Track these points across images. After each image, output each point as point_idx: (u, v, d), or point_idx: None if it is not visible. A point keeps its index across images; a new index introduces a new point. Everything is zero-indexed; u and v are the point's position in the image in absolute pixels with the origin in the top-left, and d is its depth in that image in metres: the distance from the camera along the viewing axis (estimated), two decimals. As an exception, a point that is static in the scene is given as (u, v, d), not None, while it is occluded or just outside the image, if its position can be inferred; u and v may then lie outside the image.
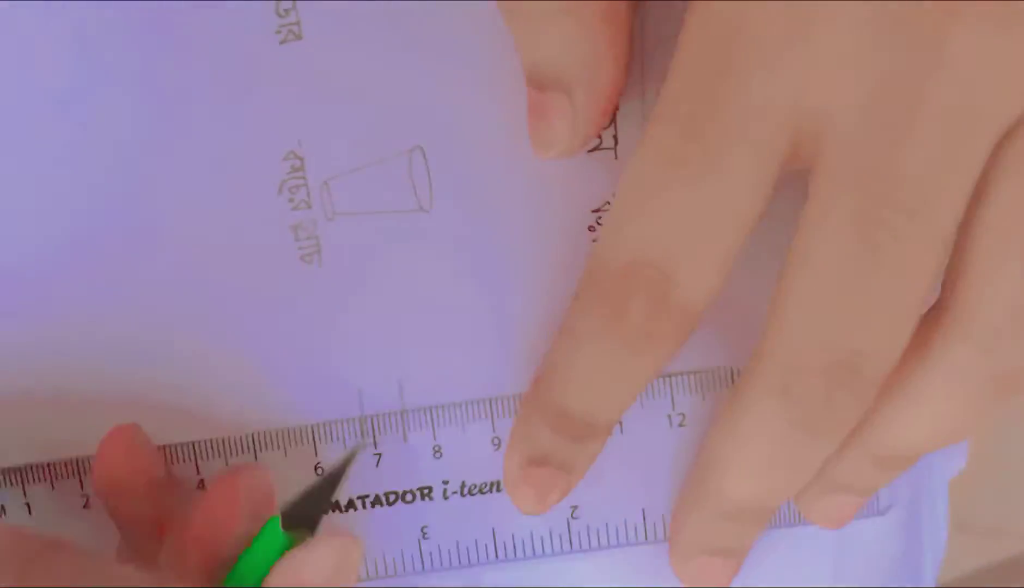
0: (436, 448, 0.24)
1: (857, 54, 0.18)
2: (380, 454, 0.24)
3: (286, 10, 0.22)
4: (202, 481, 0.23)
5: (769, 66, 0.18)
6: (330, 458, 0.23)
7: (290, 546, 0.20)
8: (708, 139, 0.19)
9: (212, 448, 0.23)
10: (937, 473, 0.26)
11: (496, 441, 0.24)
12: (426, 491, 0.24)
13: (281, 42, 0.22)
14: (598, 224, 0.23)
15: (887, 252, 0.18)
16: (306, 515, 0.21)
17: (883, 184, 0.18)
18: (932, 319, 0.20)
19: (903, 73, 0.18)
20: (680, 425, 0.24)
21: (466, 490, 0.24)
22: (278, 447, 0.23)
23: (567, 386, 0.21)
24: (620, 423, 0.24)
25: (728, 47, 0.18)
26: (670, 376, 0.24)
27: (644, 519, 0.24)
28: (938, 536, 0.27)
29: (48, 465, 0.23)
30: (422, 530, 0.24)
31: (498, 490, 0.24)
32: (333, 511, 0.23)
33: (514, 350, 0.23)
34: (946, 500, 0.27)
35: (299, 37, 0.22)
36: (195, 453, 0.23)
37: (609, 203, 0.23)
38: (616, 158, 0.23)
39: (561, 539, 0.24)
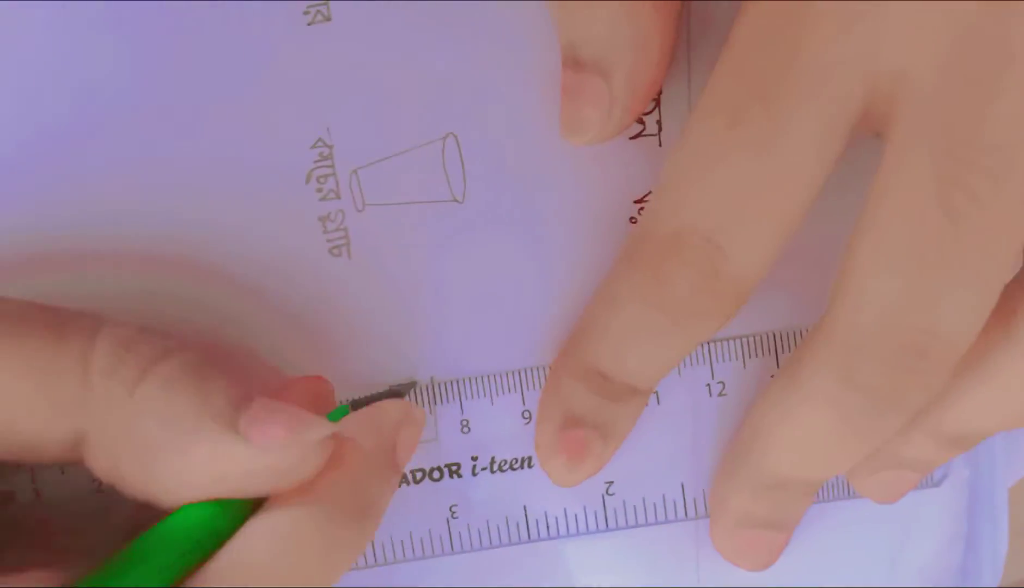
0: (464, 422, 0.23)
1: (937, 10, 0.17)
2: None
3: (314, -11, 0.21)
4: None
5: (843, 23, 0.17)
6: None
7: None
8: (775, 99, 0.17)
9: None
10: (999, 480, 0.25)
11: (527, 415, 0.23)
12: (454, 468, 0.23)
13: (309, 24, 0.21)
14: (640, 215, 0.22)
15: (968, 220, 0.17)
16: None
17: (965, 147, 0.17)
18: (1014, 291, 0.19)
19: (987, 30, 0.17)
20: (720, 395, 0.23)
21: (496, 466, 0.23)
22: None
23: (601, 346, 0.20)
24: (656, 393, 0.23)
25: (800, 3, 0.17)
26: (709, 343, 0.23)
27: (684, 494, 0.23)
28: (999, 542, 0.26)
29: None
30: (451, 509, 0.23)
31: (529, 466, 0.23)
32: None
33: (551, 349, 0.23)
34: (1006, 506, 0.26)
35: (328, 19, 0.21)
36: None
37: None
38: (660, 146, 0.22)
39: (596, 517, 0.24)
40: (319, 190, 0.22)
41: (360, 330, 0.22)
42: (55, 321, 0.18)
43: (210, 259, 0.22)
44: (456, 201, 0.22)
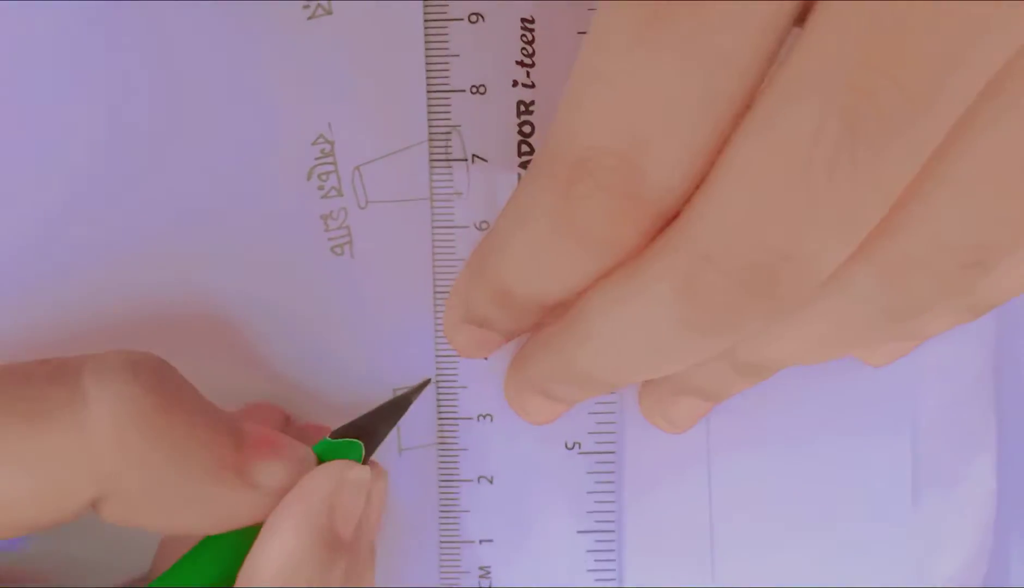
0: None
1: None
2: None
3: (315, -18, 0.21)
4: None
5: None
6: None
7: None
8: None
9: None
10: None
11: None
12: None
13: (309, 18, 0.21)
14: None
15: (868, 138, 0.14)
16: (365, 436, 0.20)
17: (893, 52, 0.14)
18: None
19: None
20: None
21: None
22: None
23: (505, 264, 0.19)
24: None
25: None
26: None
27: None
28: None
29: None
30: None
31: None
32: None
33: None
34: None
35: (329, 12, 0.21)
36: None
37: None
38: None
39: None
40: (320, 187, 0.21)
41: (363, 329, 0.22)
42: (31, 398, 0.18)
43: (210, 258, 0.21)
44: (461, 196, 0.22)
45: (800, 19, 0.15)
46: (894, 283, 0.17)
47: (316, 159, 0.21)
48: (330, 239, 0.21)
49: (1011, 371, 0.26)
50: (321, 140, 0.21)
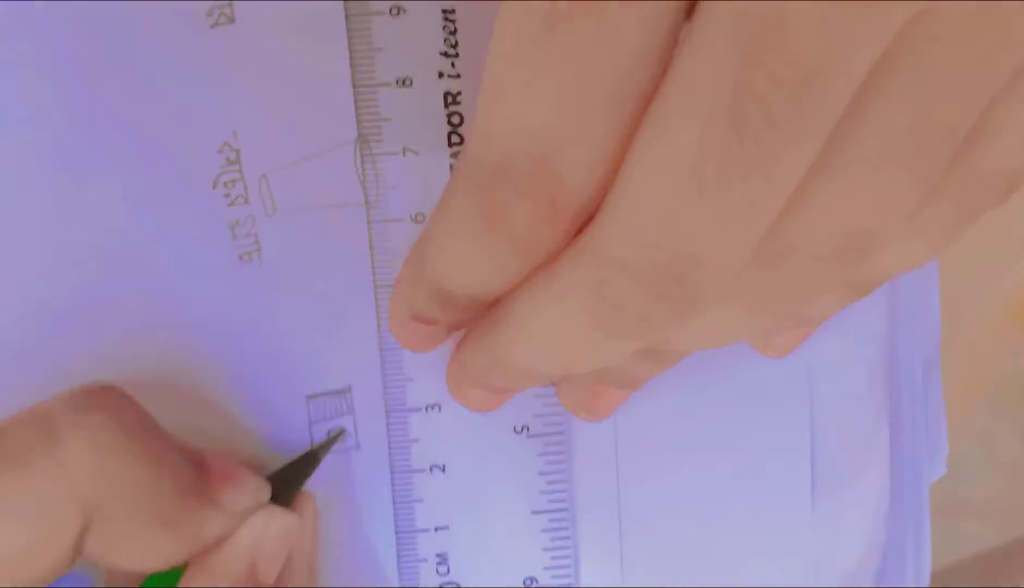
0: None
1: None
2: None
3: (216, -9, 0.20)
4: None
5: None
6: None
7: None
8: None
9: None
10: (923, 477, 0.25)
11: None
12: None
13: (212, 26, 0.20)
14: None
15: (755, 138, 0.14)
16: (281, 492, 0.21)
17: (768, 49, 0.14)
18: None
19: None
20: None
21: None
22: None
23: (438, 265, 0.19)
24: None
25: None
26: None
27: None
28: (922, 540, 0.26)
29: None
30: None
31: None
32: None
33: None
34: (927, 504, 0.26)
35: (232, 20, 0.20)
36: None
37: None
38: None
39: None
40: (227, 195, 0.21)
41: (273, 338, 0.22)
42: (8, 448, 0.18)
43: (114, 268, 0.21)
44: (370, 205, 0.22)
45: (689, 14, 0.15)
46: (776, 269, 0.17)
47: (221, 167, 0.21)
48: (238, 247, 0.21)
49: (903, 369, 0.26)
50: (226, 148, 0.21)
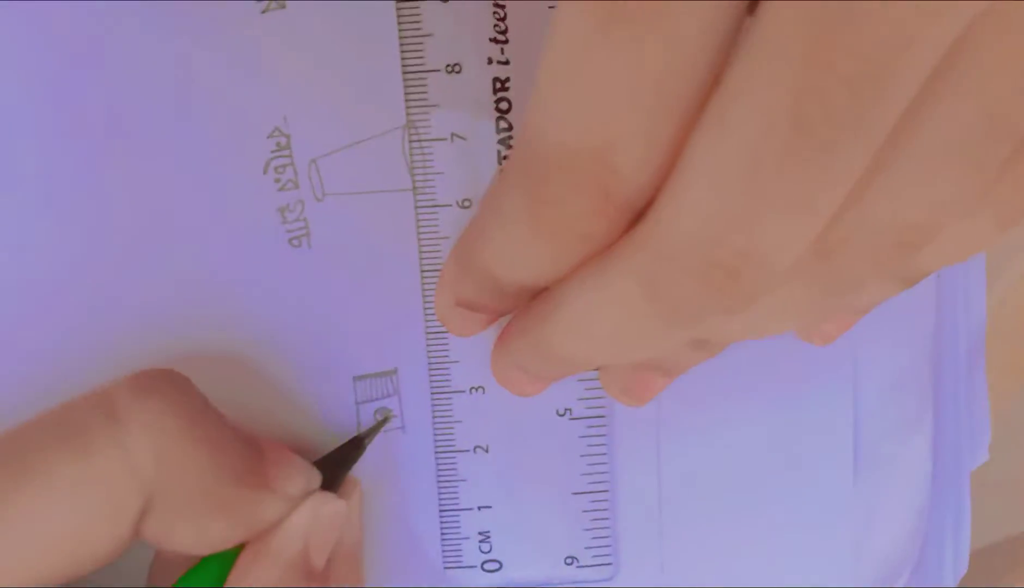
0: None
1: None
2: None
3: (268, -24, 0.20)
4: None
5: None
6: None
7: None
8: None
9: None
10: (964, 464, 0.25)
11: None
12: None
13: (263, 12, 0.20)
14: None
15: (817, 138, 0.14)
16: (329, 477, 0.22)
17: (831, 47, 0.14)
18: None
19: None
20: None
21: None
22: None
23: (488, 255, 0.19)
24: None
25: None
26: None
27: None
28: (962, 526, 0.26)
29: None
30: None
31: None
32: None
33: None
34: (968, 490, 0.26)
35: (282, 6, 0.20)
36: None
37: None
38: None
39: None
40: (277, 180, 0.21)
41: (321, 320, 0.22)
42: (72, 431, 0.19)
43: (167, 254, 0.21)
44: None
45: (752, 9, 0.15)
46: (830, 260, 0.17)
47: (272, 152, 0.21)
48: (288, 231, 0.22)
49: (948, 357, 0.26)
50: (277, 133, 0.21)
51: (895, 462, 0.25)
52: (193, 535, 0.19)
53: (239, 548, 0.20)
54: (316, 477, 0.21)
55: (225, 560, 0.20)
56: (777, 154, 0.15)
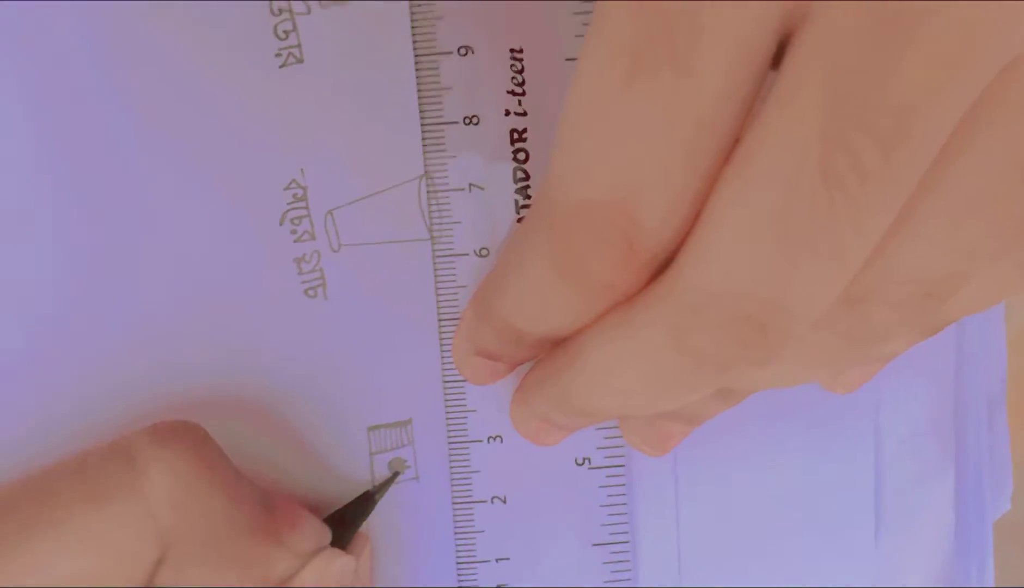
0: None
1: None
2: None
3: (286, 32, 0.20)
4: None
5: None
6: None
7: None
8: (680, 37, 0.14)
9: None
10: (987, 514, 0.25)
11: None
12: None
13: (281, 66, 0.21)
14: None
15: (846, 191, 0.14)
16: (338, 533, 0.22)
17: (860, 103, 0.14)
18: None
19: None
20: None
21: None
22: None
23: (509, 306, 0.19)
24: None
25: None
26: None
27: None
28: (985, 576, 0.26)
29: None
30: None
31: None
32: None
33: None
34: (991, 540, 0.25)
35: (300, 61, 0.21)
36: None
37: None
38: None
39: None
40: (293, 231, 0.21)
41: (337, 372, 0.22)
42: (92, 478, 0.19)
43: (183, 304, 0.22)
44: (434, 240, 0.22)
45: (775, 62, 0.15)
46: (856, 311, 0.17)
47: (288, 204, 0.21)
48: (304, 282, 0.22)
49: (969, 406, 0.26)
50: (294, 185, 0.21)
51: (918, 512, 0.25)
52: (204, 584, 0.19)
53: None
54: (326, 534, 0.21)
55: None
56: (805, 207, 0.14)
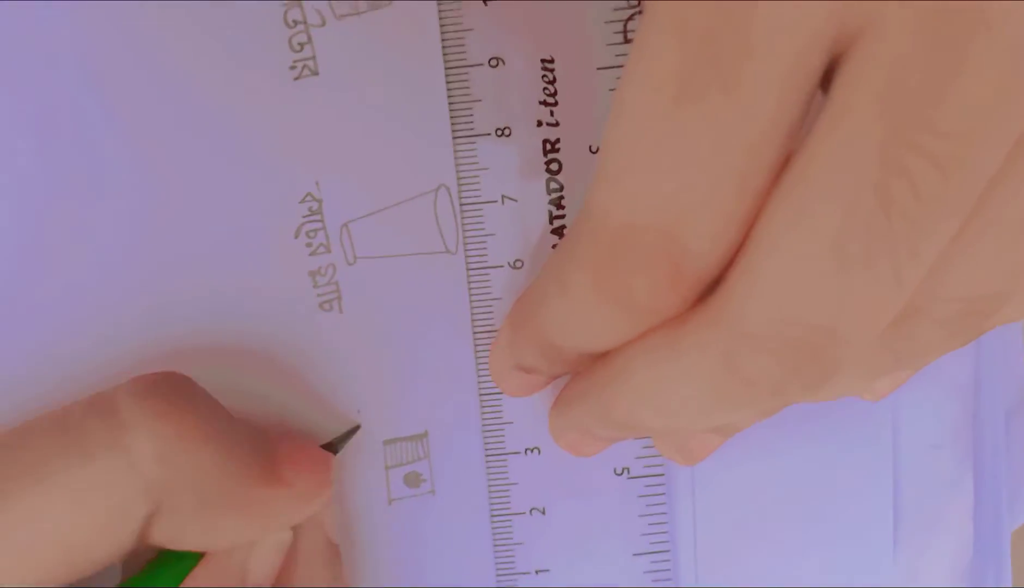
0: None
1: None
2: None
3: (300, 44, 0.20)
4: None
5: None
6: None
7: None
8: (730, 61, 0.14)
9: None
10: (1004, 525, 0.25)
11: None
12: None
13: (296, 78, 0.20)
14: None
15: (902, 215, 0.14)
16: None
17: (917, 127, 0.14)
18: None
19: None
20: None
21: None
22: None
23: (550, 325, 0.19)
24: None
25: None
26: None
27: None
28: (1004, 583, 0.25)
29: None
30: None
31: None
32: None
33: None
34: (1008, 552, 0.25)
35: (315, 73, 0.20)
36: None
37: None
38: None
39: None
40: (308, 244, 0.21)
41: (353, 385, 0.22)
42: (73, 434, 0.18)
43: (196, 317, 0.21)
44: (449, 253, 0.22)
45: (824, 83, 0.15)
46: (902, 330, 0.17)
47: (304, 217, 0.21)
48: (319, 295, 0.22)
49: (987, 418, 0.25)
50: (309, 198, 0.21)
51: (936, 522, 0.25)
52: (205, 535, 0.19)
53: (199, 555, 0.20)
54: (328, 462, 0.21)
55: (183, 564, 0.20)
56: (862, 231, 0.14)
